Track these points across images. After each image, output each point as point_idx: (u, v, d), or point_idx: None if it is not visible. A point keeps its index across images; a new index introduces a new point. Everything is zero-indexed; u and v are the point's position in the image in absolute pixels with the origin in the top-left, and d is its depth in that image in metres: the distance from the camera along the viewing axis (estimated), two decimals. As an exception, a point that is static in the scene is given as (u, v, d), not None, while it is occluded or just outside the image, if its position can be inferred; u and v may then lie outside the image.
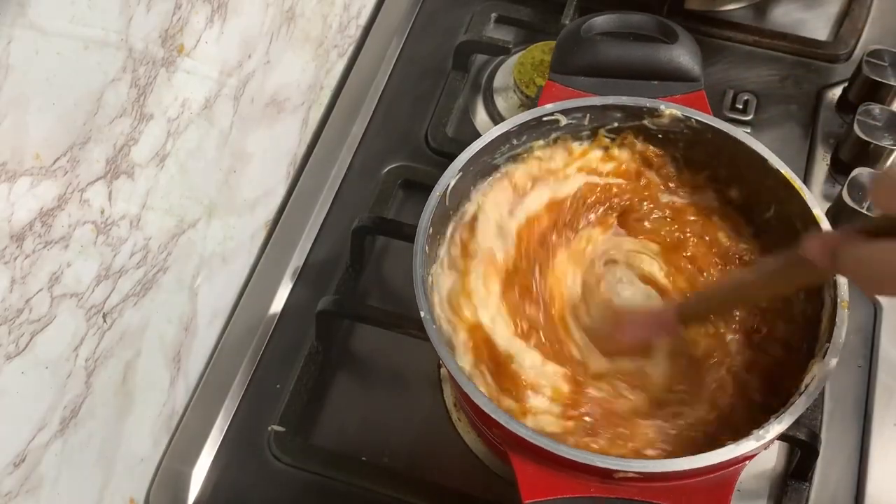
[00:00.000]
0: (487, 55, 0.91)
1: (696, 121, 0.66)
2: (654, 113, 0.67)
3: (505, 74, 0.89)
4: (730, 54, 0.90)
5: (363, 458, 0.69)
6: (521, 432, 0.54)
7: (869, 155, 0.79)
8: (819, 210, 0.61)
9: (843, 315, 0.57)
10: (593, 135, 0.69)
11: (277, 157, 0.81)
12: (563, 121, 0.67)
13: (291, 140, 0.83)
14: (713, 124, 0.66)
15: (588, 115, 0.68)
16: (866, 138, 0.78)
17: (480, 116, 0.88)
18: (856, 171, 0.76)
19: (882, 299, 0.75)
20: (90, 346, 0.59)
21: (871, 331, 0.74)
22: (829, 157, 0.83)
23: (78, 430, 0.59)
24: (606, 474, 0.53)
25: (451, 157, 0.83)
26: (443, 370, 0.73)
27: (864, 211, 0.74)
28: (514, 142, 0.67)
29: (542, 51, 0.87)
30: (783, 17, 0.93)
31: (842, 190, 0.76)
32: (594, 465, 0.53)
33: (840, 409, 0.71)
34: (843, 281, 0.58)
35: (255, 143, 0.75)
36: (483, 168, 0.67)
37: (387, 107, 0.88)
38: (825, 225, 0.61)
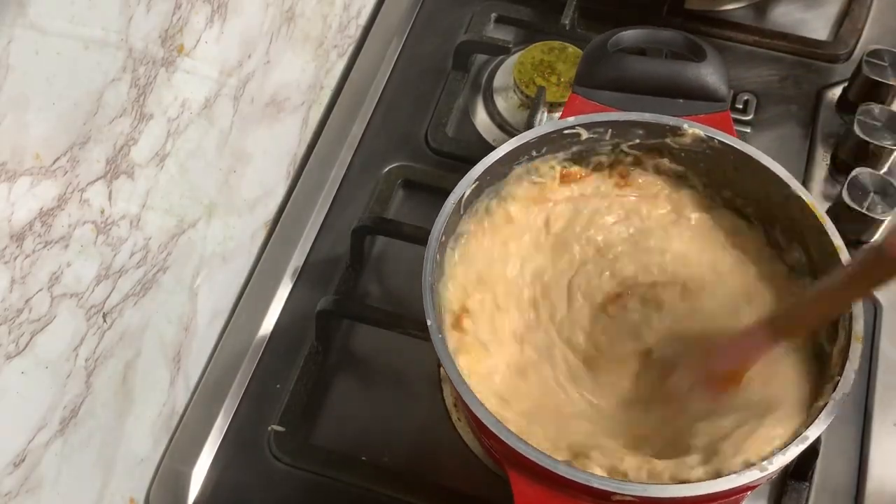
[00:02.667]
0: (487, 55, 0.91)
1: (719, 141, 0.65)
2: (676, 132, 0.66)
3: (505, 74, 0.89)
4: (730, 54, 0.90)
5: (363, 458, 0.69)
6: (521, 448, 0.53)
7: (869, 155, 0.79)
8: (840, 241, 0.61)
9: (857, 350, 0.56)
10: (613, 151, 0.68)
11: (277, 156, 0.81)
12: (585, 135, 0.67)
13: (291, 140, 0.83)
14: (736, 146, 0.65)
15: (610, 130, 0.67)
16: (866, 138, 0.78)
17: (480, 116, 0.88)
18: (856, 171, 0.76)
19: (882, 299, 0.75)
20: (90, 345, 0.59)
21: (871, 331, 0.74)
22: (828, 157, 0.83)
23: (78, 430, 0.59)
24: (604, 496, 0.53)
25: (452, 157, 0.84)
26: (443, 370, 0.73)
27: (863, 211, 0.74)
28: (534, 153, 0.67)
29: (541, 51, 0.87)
30: (783, 17, 0.93)
31: (842, 190, 0.76)
32: (591, 486, 0.52)
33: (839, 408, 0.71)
34: (858, 313, 0.57)
35: (255, 142, 0.75)
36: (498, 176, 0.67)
37: (387, 107, 0.88)
38: (845, 257, 0.60)
